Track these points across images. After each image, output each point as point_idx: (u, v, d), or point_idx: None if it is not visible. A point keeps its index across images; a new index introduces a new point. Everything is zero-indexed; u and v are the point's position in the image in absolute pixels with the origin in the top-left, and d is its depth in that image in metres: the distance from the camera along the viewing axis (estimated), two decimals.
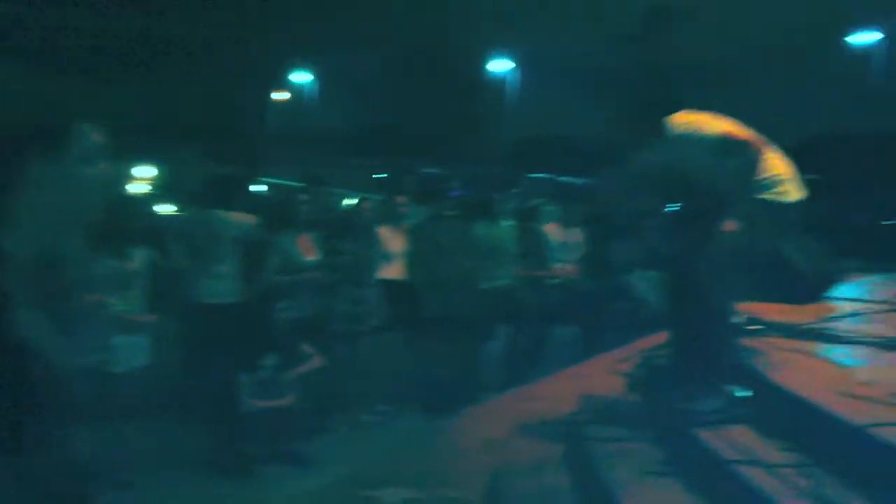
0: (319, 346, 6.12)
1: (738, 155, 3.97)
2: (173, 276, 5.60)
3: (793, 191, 4.07)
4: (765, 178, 4.00)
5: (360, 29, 18.47)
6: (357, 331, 6.59)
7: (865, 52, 21.94)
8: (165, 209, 11.62)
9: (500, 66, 22.02)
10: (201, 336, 5.54)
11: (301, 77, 23.25)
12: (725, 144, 3.98)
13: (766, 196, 3.99)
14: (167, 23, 17.09)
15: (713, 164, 4.01)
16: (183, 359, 5.75)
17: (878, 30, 21.59)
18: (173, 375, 5.71)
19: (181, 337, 5.75)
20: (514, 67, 21.75)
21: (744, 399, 3.82)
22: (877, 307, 5.73)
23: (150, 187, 17.49)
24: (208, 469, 5.32)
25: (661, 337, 5.08)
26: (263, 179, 14.73)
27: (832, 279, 6.45)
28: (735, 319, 4.54)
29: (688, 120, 4.15)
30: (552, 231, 8.11)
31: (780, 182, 4.04)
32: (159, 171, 19.05)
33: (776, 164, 4.09)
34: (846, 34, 22.00)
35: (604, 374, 5.56)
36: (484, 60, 21.54)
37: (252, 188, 9.14)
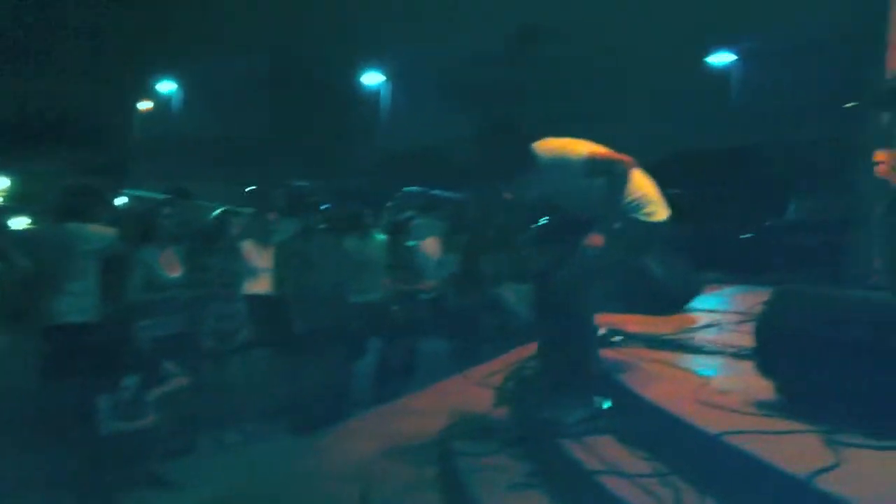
0: (184, 365, 5.91)
1: (607, 175, 4.06)
2: (24, 292, 5.29)
3: (659, 210, 4.20)
4: (633, 199, 4.11)
5: (230, 39, 18.14)
6: (223, 348, 6.41)
7: (723, 72, 23.03)
8: (18, 222, 11.01)
9: (372, 79, 22.02)
10: (56, 357, 5.26)
11: (168, 86, 22.66)
12: (594, 166, 4.07)
13: (635, 216, 4.11)
14: (23, 25, 16.36)
15: (584, 187, 4.09)
16: (37, 380, 5.44)
17: (733, 51, 22.72)
18: (27, 398, 5.40)
19: (35, 357, 5.45)
20: (387, 80, 21.80)
21: (607, 410, 3.89)
22: (734, 318, 5.95)
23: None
24: (67, 495, 5.05)
25: (529, 349, 5.14)
26: (126, 191, 14.22)
27: (693, 291, 6.67)
28: (598, 332, 4.63)
29: (554, 146, 4.24)
30: (424, 244, 8.11)
31: (648, 202, 4.16)
32: (12, 182, 18.13)
33: (643, 185, 4.21)
34: (705, 55, 23.05)
35: (474, 388, 5.58)
36: (356, 73, 21.51)
37: (113, 200, 8.77)
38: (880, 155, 6.55)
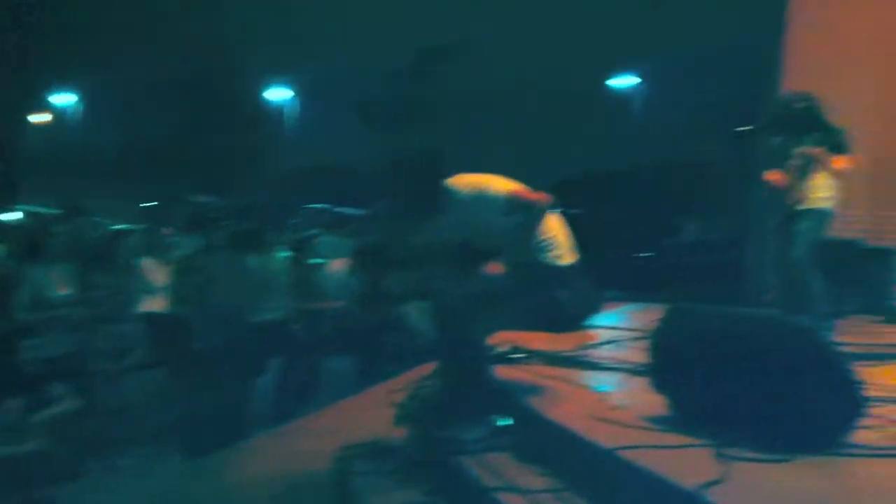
0: (74, 386, 5.71)
1: (525, 213, 4.08)
2: None
3: (566, 255, 4.26)
4: (542, 240, 4.16)
5: (131, 51, 17.72)
6: (116, 369, 6.21)
7: (625, 94, 23.62)
8: None
9: (278, 94, 21.77)
10: None
11: (66, 98, 21.99)
12: (514, 203, 4.07)
13: (541, 257, 4.15)
14: None
15: (501, 224, 4.10)
16: None
17: (635, 73, 23.33)
18: None
19: None
20: (294, 96, 21.59)
21: (505, 427, 3.91)
22: (631, 334, 6.07)
23: None
24: None
25: (431, 368, 5.13)
26: (18, 206, 13.70)
27: (593, 308, 6.79)
28: (497, 349, 4.66)
29: (472, 182, 4.21)
30: (328, 262, 8.05)
31: (556, 245, 4.22)
32: None
33: (554, 227, 4.26)
34: (608, 77, 23.60)
35: (375, 407, 5.53)
36: (261, 88, 21.25)
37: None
38: (772, 175, 6.80)
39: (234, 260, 7.05)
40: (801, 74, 9.88)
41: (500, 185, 4.18)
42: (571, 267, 4.29)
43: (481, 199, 4.13)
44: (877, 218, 10.34)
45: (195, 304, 6.72)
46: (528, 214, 4.08)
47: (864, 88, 10.16)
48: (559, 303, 6.12)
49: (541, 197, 4.12)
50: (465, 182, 4.22)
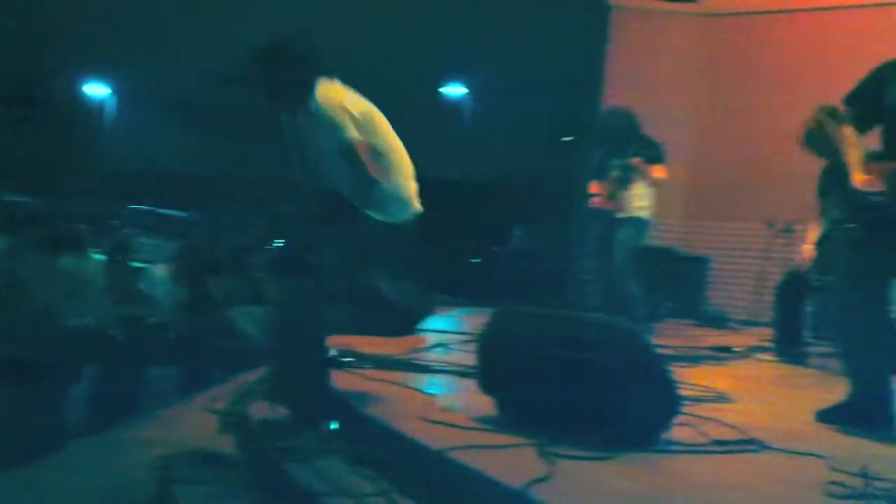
0: None
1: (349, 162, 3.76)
2: None
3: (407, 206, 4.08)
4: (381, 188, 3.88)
5: None
6: None
7: (456, 104, 23.99)
8: None
9: (96, 90, 20.76)
10: None
11: None
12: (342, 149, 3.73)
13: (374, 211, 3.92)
14: None
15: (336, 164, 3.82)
16: None
17: (465, 85, 23.75)
18: None
19: None
20: (112, 94, 20.64)
21: (335, 431, 3.85)
22: (461, 338, 6.14)
23: None
24: None
25: (259, 373, 5.00)
26: None
27: (424, 312, 6.82)
28: (329, 353, 4.60)
29: (333, 97, 3.85)
30: (150, 265, 7.72)
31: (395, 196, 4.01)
32: None
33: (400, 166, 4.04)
34: (440, 86, 23.91)
35: (199, 415, 5.33)
36: (78, 84, 20.19)
37: None
38: (594, 187, 7.07)
39: (45, 262, 6.64)
40: (620, 90, 10.36)
41: (353, 108, 3.80)
42: (411, 223, 4.08)
43: (324, 122, 3.76)
44: (691, 227, 10.95)
45: (2, 308, 6.29)
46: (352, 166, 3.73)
47: (678, 104, 10.76)
48: (392, 306, 6.13)
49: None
50: (329, 94, 3.82)
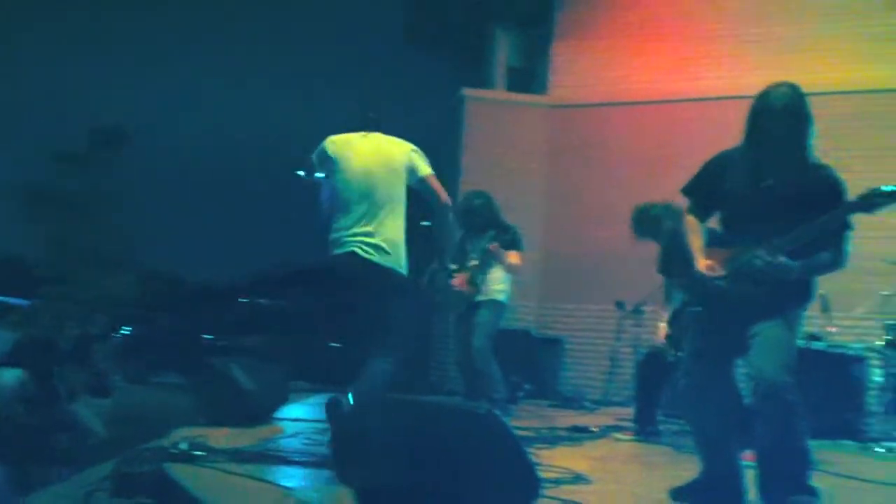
0: None
1: None
2: None
3: None
4: None
5: None
6: None
7: (313, 190, 23.93)
8: None
9: None
10: None
11: None
12: None
13: None
14: None
15: None
16: None
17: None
18: None
19: None
20: None
21: None
22: (319, 426, 5.98)
23: None
24: None
25: (104, 469, 4.71)
26: None
27: (279, 400, 6.64)
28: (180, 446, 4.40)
29: None
30: None
31: None
32: None
33: None
34: (298, 169, 23.85)
35: None
36: None
37: None
38: (456, 278, 7.12)
39: None
40: (476, 176, 10.64)
41: None
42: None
43: None
44: (546, 309, 11.20)
45: None
46: None
47: (529, 190, 11.12)
48: (244, 394, 5.94)
49: None
50: None
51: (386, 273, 4.87)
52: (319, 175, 5.16)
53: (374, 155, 5.02)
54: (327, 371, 10.99)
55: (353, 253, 4.88)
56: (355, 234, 4.90)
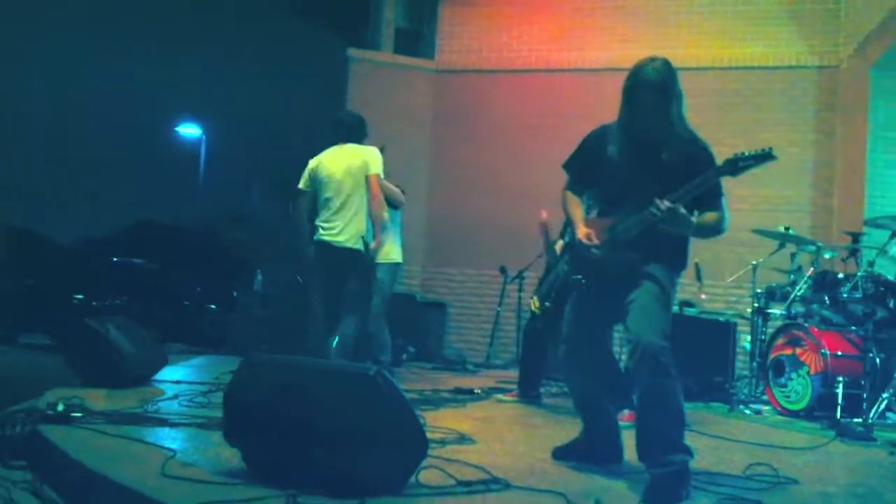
0: None
1: None
2: None
3: None
4: None
5: None
6: None
7: (192, 148, 23.30)
8: None
9: None
10: None
11: None
12: None
13: None
14: None
15: None
16: None
17: (199, 127, 23.14)
18: None
19: None
20: None
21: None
22: (200, 388, 5.90)
23: None
24: None
25: None
26: None
27: (158, 362, 6.49)
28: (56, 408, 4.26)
29: None
30: None
31: None
32: None
33: None
34: (176, 126, 23.12)
35: None
36: None
37: None
38: None
39: None
40: None
41: None
42: None
43: None
44: (430, 273, 11.28)
45: None
46: None
47: (413, 155, 11.13)
48: (123, 357, 5.78)
49: None
50: None
51: (348, 253, 6.20)
52: (305, 188, 6.47)
53: (339, 163, 6.37)
54: (207, 333, 10.82)
55: (324, 241, 6.25)
56: (328, 225, 6.28)
